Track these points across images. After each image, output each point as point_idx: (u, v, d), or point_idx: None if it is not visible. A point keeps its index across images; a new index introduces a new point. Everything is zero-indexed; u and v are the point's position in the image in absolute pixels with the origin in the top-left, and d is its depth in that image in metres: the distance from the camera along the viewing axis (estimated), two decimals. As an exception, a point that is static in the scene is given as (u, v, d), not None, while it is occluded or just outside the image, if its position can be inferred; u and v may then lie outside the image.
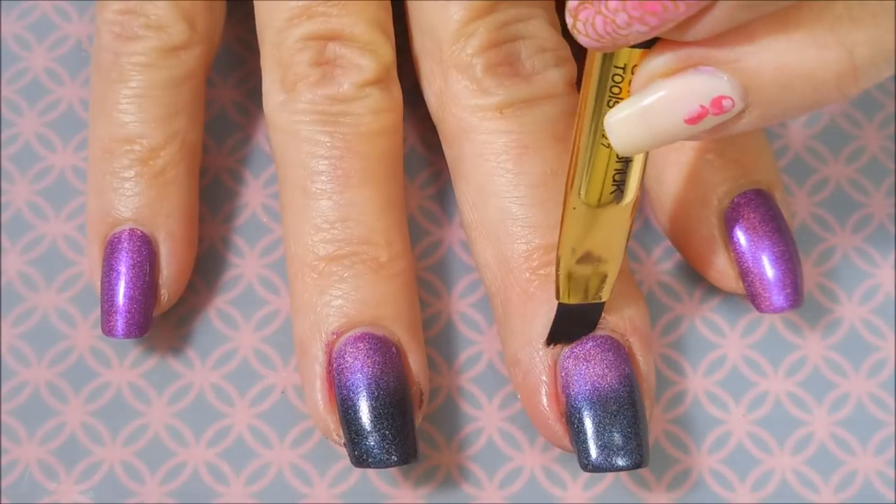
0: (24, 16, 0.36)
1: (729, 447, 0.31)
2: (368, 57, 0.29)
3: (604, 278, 0.27)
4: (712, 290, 0.32)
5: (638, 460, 0.27)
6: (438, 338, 0.32)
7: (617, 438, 0.27)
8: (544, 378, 0.28)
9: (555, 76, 0.29)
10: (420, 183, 0.34)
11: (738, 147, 0.30)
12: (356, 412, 0.27)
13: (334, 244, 0.29)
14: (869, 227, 0.33)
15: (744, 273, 0.29)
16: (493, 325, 0.32)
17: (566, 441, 0.28)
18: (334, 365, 0.28)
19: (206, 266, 0.33)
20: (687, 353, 0.32)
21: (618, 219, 0.26)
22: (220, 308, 0.32)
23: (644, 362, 0.28)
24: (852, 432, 0.31)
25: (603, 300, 0.27)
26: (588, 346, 0.28)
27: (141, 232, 0.30)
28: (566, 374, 0.28)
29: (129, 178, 0.30)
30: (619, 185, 0.25)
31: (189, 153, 0.31)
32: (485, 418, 0.31)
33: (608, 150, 0.24)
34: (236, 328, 0.32)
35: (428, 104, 0.31)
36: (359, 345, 0.28)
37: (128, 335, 0.30)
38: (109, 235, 0.30)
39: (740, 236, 0.29)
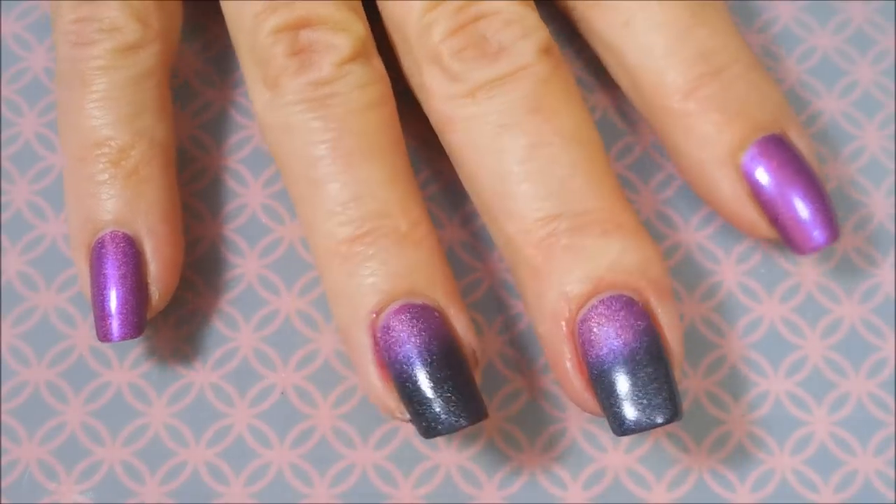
0: (24, 16, 0.36)
1: (729, 447, 0.31)
2: (341, 35, 0.29)
3: None
4: (712, 288, 0.32)
5: (669, 415, 0.27)
6: (438, 338, 0.32)
7: (643, 396, 0.27)
8: (565, 349, 0.28)
9: (524, 47, 0.29)
10: (420, 183, 0.34)
11: (738, 98, 0.29)
12: (414, 384, 0.27)
13: (352, 224, 0.29)
14: (869, 227, 0.33)
15: (775, 221, 0.29)
16: (494, 325, 0.32)
17: (597, 408, 0.28)
18: (381, 343, 0.28)
19: (206, 266, 0.33)
20: (687, 353, 0.32)
21: None
22: (221, 308, 0.32)
23: (663, 312, 0.28)
24: (852, 432, 0.31)
25: None
26: (600, 310, 0.27)
27: (122, 233, 0.30)
28: (583, 341, 0.27)
29: (104, 182, 0.30)
30: None
31: (160, 150, 0.31)
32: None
33: None
34: (236, 328, 0.32)
35: (419, 101, 0.31)
36: (400, 317, 0.28)
37: (123, 337, 0.30)
38: (93, 241, 0.30)
39: (763, 187, 0.29)
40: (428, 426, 0.27)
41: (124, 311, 0.30)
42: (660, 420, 0.26)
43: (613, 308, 0.27)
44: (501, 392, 0.31)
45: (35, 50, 0.36)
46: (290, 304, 0.32)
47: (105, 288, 0.30)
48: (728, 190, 0.29)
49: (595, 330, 0.27)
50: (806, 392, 0.31)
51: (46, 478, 0.31)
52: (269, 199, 0.34)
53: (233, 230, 0.33)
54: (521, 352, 0.32)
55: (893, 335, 0.32)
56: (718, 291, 0.32)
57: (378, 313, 0.28)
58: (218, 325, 0.32)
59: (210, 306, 0.32)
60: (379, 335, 0.28)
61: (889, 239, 0.33)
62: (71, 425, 0.31)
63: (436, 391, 0.27)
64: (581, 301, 0.28)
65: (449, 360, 0.27)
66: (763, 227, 0.29)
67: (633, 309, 0.27)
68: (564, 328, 0.28)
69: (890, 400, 0.31)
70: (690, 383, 0.31)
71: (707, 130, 0.29)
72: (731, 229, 0.33)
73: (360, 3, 0.30)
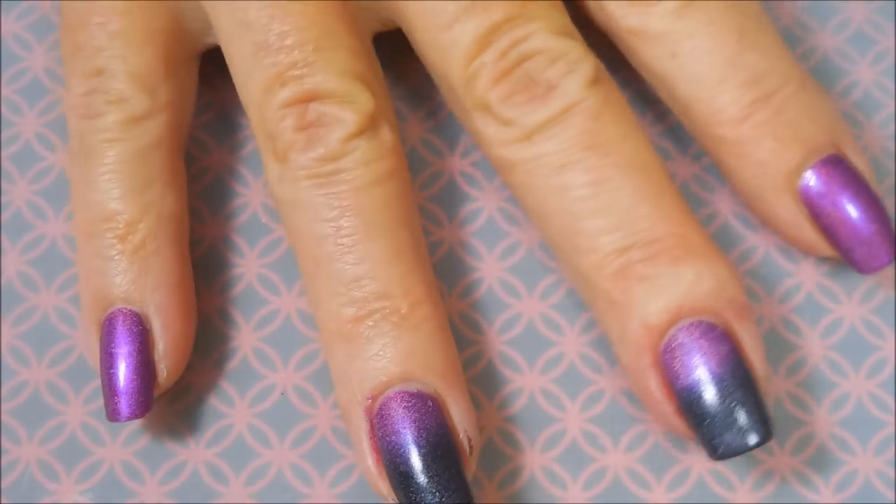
0: (24, 16, 0.36)
1: (729, 447, 0.31)
2: (348, 109, 0.29)
3: None
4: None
5: (761, 436, 0.27)
6: (438, 338, 0.32)
7: (734, 421, 0.27)
8: (651, 379, 0.28)
9: (572, 83, 0.29)
10: (420, 183, 0.34)
11: (792, 122, 0.30)
12: (403, 473, 0.27)
13: (354, 306, 0.28)
14: (869, 227, 0.33)
15: (836, 242, 0.30)
16: (494, 326, 0.32)
17: (690, 434, 0.28)
18: (376, 429, 0.28)
19: (206, 266, 0.33)
20: (687, 353, 0.32)
21: None
22: (221, 308, 0.32)
23: (744, 332, 0.28)
24: (852, 432, 0.31)
25: None
26: (680, 339, 0.27)
27: (130, 310, 0.30)
28: (668, 371, 0.28)
29: (112, 258, 0.30)
30: None
31: (169, 222, 0.31)
32: (485, 419, 0.31)
33: None
34: (236, 328, 0.32)
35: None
36: (392, 406, 0.28)
37: (129, 417, 0.29)
38: (103, 317, 0.30)
39: (822, 210, 0.29)
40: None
41: (130, 391, 0.29)
42: (752, 443, 0.27)
43: (694, 336, 0.27)
44: (501, 392, 0.31)
45: (35, 50, 0.36)
46: (290, 304, 0.32)
47: (111, 366, 0.30)
48: (787, 216, 0.30)
49: (678, 359, 0.27)
50: (806, 392, 0.31)
51: (46, 478, 0.31)
52: (269, 199, 0.34)
53: (233, 230, 0.33)
54: (521, 352, 0.32)
55: (893, 335, 0.32)
56: (718, 291, 0.32)
57: (374, 399, 0.28)
58: (218, 324, 0.32)
59: (210, 306, 0.32)
60: (374, 421, 0.28)
61: (889, 239, 0.33)
62: (71, 425, 0.31)
63: (424, 482, 0.27)
64: (661, 330, 0.28)
65: (440, 452, 0.28)
66: (824, 248, 0.30)
67: (714, 334, 0.27)
68: (649, 359, 0.28)
69: (890, 400, 0.31)
70: (690, 383, 0.31)
71: (763, 158, 0.30)
72: (729, 231, 0.33)
73: (368, 69, 0.30)
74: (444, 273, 0.33)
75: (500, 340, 0.32)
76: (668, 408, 0.28)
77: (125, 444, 0.31)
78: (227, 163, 0.34)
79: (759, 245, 0.33)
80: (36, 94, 0.35)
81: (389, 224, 0.29)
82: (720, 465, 0.30)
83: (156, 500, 0.31)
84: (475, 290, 0.32)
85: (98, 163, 0.30)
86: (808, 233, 0.30)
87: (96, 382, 0.32)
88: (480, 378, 0.31)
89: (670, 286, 0.28)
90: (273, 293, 0.33)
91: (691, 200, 0.33)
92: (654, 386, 0.28)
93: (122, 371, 0.29)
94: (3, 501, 0.31)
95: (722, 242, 0.33)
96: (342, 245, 0.28)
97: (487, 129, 0.29)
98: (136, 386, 0.29)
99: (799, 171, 0.29)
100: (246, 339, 0.32)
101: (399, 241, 0.29)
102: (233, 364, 0.32)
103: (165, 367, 0.30)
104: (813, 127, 0.30)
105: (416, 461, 0.27)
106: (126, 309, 0.30)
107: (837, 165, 0.29)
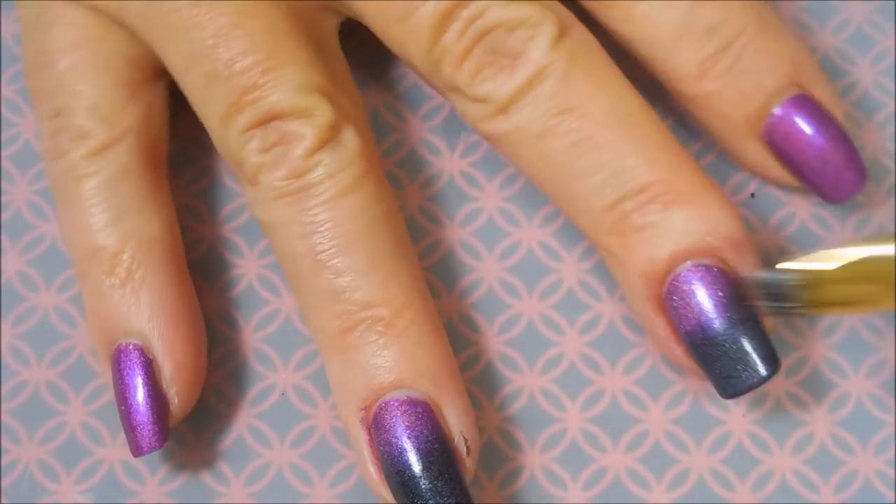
0: (24, 16, 0.36)
1: (729, 447, 0.31)
2: (307, 123, 0.29)
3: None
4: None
5: (770, 369, 0.27)
6: (438, 338, 0.32)
7: (740, 359, 0.27)
8: (659, 323, 0.28)
9: (535, 49, 0.29)
10: (420, 183, 0.34)
11: (750, 70, 0.30)
12: (401, 479, 0.28)
13: (339, 319, 0.29)
14: (869, 228, 0.33)
15: (804, 179, 0.31)
16: (493, 326, 0.32)
17: (703, 373, 0.28)
18: (373, 437, 0.28)
19: (206, 266, 0.33)
20: (687, 353, 0.32)
21: None
22: (221, 308, 0.32)
23: (745, 266, 0.28)
24: (852, 432, 0.31)
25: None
26: (677, 285, 0.28)
27: (132, 344, 0.30)
28: (672, 317, 0.28)
29: (105, 294, 0.30)
30: None
31: (153, 246, 0.30)
32: (485, 418, 0.31)
33: None
34: (236, 328, 0.32)
35: None
36: (384, 415, 0.28)
37: (150, 449, 0.29)
38: (112, 352, 0.30)
39: (787, 149, 0.30)
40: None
41: (144, 424, 0.29)
42: (761, 377, 0.27)
43: (692, 280, 0.28)
44: (501, 392, 0.31)
45: (35, 50, 0.36)
46: (291, 304, 0.32)
47: (123, 402, 0.29)
48: (755, 158, 0.31)
49: (680, 304, 0.28)
50: (806, 392, 0.31)
51: (46, 478, 0.31)
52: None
53: (233, 230, 0.33)
54: (521, 352, 0.32)
55: (893, 335, 0.32)
56: (718, 291, 0.32)
57: (367, 409, 0.28)
58: (218, 325, 0.32)
59: (210, 306, 0.32)
60: (371, 429, 0.28)
61: (889, 239, 0.33)
62: (71, 425, 0.31)
63: (421, 487, 0.27)
64: (660, 279, 0.28)
65: (435, 458, 0.28)
66: (794, 182, 0.31)
67: (712, 275, 0.28)
68: (653, 307, 0.28)
69: (890, 400, 0.31)
70: (689, 383, 0.31)
71: (725, 110, 0.30)
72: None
73: (323, 78, 0.29)
74: (444, 273, 0.33)
75: (500, 340, 0.32)
76: (678, 351, 0.28)
77: (125, 444, 0.31)
78: (226, 164, 0.34)
79: (759, 245, 0.33)
80: (36, 94, 0.35)
81: (363, 232, 0.29)
82: (720, 465, 0.30)
83: (156, 500, 0.31)
84: (475, 290, 0.32)
85: (73, 201, 0.30)
86: (777, 171, 0.31)
87: (96, 382, 0.32)
88: (480, 378, 0.31)
89: (662, 234, 0.28)
90: (273, 293, 0.33)
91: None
92: (662, 332, 0.28)
93: (134, 405, 0.29)
94: (3, 501, 0.31)
95: (722, 242, 0.33)
96: (319, 261, 0.28)
97: (465, 108, 0.29)
98: (150, 418, 0.29)
99: (760, 117, 0.30)
100: (246, 339, 0.32)
101: (375, 247, 0.29)
102: (233, 364, 0.32)
103: (175, 394, 0.30)
104: (772, 72, 0.30)
105: (411, 468, 0.27)
106: (128, 343, 0.30)
107: (800, 105, 0.30)
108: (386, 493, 0.28)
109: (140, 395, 0.29)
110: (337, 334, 0.29)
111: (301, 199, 0.29)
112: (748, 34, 0.30)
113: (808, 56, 0.31)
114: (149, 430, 0.29)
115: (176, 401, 0.30)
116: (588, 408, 0.31)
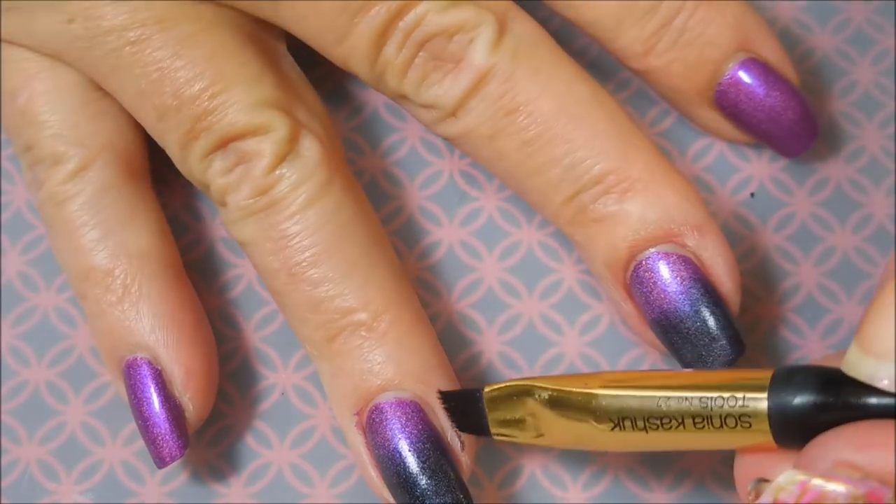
0: (24, 16, 0.36)
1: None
2: (264, 140, 0.29)
3: None
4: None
5: (732, 354, 0.28)
6: (438, 338, 0.32)
7: (704, 342, 0.28)
8: (628, 311, 0.29)
9: (476, 52, 0.29)
10: (420, 183, 0.34)
11: (695, 41, 0.31)
12: (397, 481, 0.28)
13: (322, 329, 0.29)
14: (869, 227, 0.33)
15: (759, 137, 0.32)
16: (493, 325, 0.32)
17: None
18: (369, 441, 0.28)
19: (206, 267, 0.33)
20: (687, 353, 0.32)
21: None
22: (221, 308, 0.32)
23: (705, 249, 0.28)
24: (852, 432, 0.31)
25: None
26: (639, 274, 0.28)
27: (140, 358, 0.30)
28: (639, 303, 0.29)
29: (105, 313, 0.30)
30: None
31: (144, 260, 0.30)
32: (485, 418, 0.31)
33: None
34: (236, 328, 0.32)
35: None
36: (375, 418, 0.28)
37: (171, 459, 0.29)
38: (122, 368, 0.30)
39: (740, 112, 0.31)
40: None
41: (163, 435, 0.29)
42: (728, 358, 0.28)
43: (651, 269, 0.28)
44: (501, 392, 0.31)
45: (35, 50, 0.36)
46: (290, 304, 0.32)
47: (139, 416, 0.30)
48: (709, 123, 0.32)
49: (643, 292, 0.28)
50: (806, 392, 0.31)
51: (46, 478, 0.31)
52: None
53: (233, 230, 0.33)
54: (521, 352, 0.32)
55: (893, 335, 0.32)
56: (718, 291, 0.32)
57: (360, 414, 0.28)
58: (218, 325, 0.32)
59: (210, 306, 0.32)
60: (366, 433, 0.28)
61: (889, 239, 0.33)
62: (71, 425, 0.31)
63: (418, 487, 0.28)
64: (623, 266, 0.29)
65: (428, 456, 0.28)
66: (751, 141, 0.32)
67: (671, 261, 0.28)
68: (620, 293, 0.29)
69: (890, 400, 0.31)
70: (690, 383, 0.31)
71: (674, 83, 0.31)
72: (729, 231, 0.33)
73: (274, 90, 0.29)
74: (444, 273, 0.33)
75: (500, 340, 0.32)
76: (649, 335, 0.29)
77: (125, 444, 0.31)
78: None
79: (758, 245, 0.33)
80: (36, 94, 0.35)
81: (335, 240, 0.29)
82: (720, 465, 0.30)
83: (156, 500, 0.31)
84: (475, 290, 0.32)
85: (59, 227, 0.30)
86: (733, 133, 0.32)
87: (96, 382, 0.32)
88: (480, 378, 0.31)
89: (621, 224, 0.28)
90: (273, 293, 0.33)
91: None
92: (631, 317, 0.29)
93: (151, 417, 0.29)
94: (3, 501, 0.31)
95: (722, 242, 0.33)
96: (295, 274, 0.29)
97: (417, 113, 0.30)
98: (167, 428, 0.29)
99: (710, 86, 0.31)
100: (246, 339, 0.32)
101: (349, 253, 0.29)
102: (233, 364, 0.32)
103: (189, 400, 0.30)
104: (717, 39, 0.31)
105: (407, 468, 0.28)
106: (135, 357, 0.30)
107: (747, 69, 0.31)
108: (387, 495, 0.28)
109: (155, 406, 0.29)
110: (323, 343, 0.29)
111: (269, 214, 0.29)
112: (689, 7, 0.30)
113: (754, 17, 0.31)
114: (168, 440, 0.29)
115: (191, 407, 0.30)
116: (588, 408, 0.31)
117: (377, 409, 0.28)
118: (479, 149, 0.29)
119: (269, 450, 0.31)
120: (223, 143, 0.29)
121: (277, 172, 0.29)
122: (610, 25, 0.30)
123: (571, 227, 0.29)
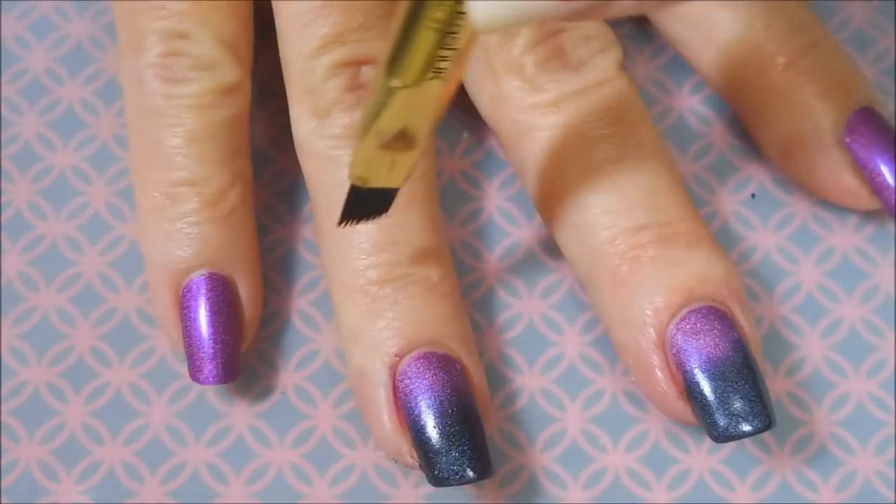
0: (24, 16, 0.36)
1: (729, 447, 0.31)
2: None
3: (404, 163, 0.26)
4: (712, 290, 0.32)
5: (767, 422, 0.27)
6: (438, 338, 0.32)
7: (742, 405, 0.27)
8: (655, 359, 0.28)
9: (603, 62, 0.29)
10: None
11: (835, 70, 0.31)
12: (429, 432, 0.28)
13: (384, 268, 0.29)
14: (869, 227, 0.33)
15: (877, 187, 0.30)
16: (493, 325, 0.32)
17: (690, 417, 0.28)
18: (400, 387, 0.28)
19: (206, 266, 0.33)
20: (687, 353, 0.32)
21: (431, 102, 0.24)
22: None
23: (747, 324, 0.28)
24: (852, 432, 0.31)
25: (398, 186, 0.27)
26: (693, 321, 0.27)
27: (221, 275, 0.30)
28: (677, 350, 0.27)
29: (200, 223, 0.30)
30: (440, 70, 0.23)
31: (251, 192, 0.31)
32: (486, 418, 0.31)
33: (435, 34, 0.22)
34: (236, 328, 0.32)
35: (480, 109, 0.31)
36: (423, 364, 0.28)
37: (224, 381, 0.29)
38: (184, 282, 0.30)
39: (861, 156, 0.30)
40: (439, 475, 0.28)
41: (224, 355, 0.29)
42: (757, 428, 0.27)
43: (709, 319, 0.28)
44: (502, 392, 0.31)
45: (35, 50, 0.36)
46: (290, 304, 0.32)
47: (200, 332, 0.29)
48: (829, 160, 0.30)
49: (691, 341, 0.27)
50: (806, 392, 0.31)
51: (46, 478, 0.31)
52: (269, 199, 0.34)
53: (233, 230, 0.33)
54: (521, 352, 0.32)
55: (893, 335, 0.32)
56: (718, 291, 0.32)
57: (401, 357, 0.28)
58: (218, 325, 0.32)
59: (210, 306, 0.32)
60: (399, 379, 0.28)
61: (889, 239, 0.33)
62: (71, 425, 0.31)
63: (450, 443, 0.27)
64: (672, 311, 0.28)
65: (466, 415, 0.28)
66: (864, 195, 0.31)
67: (726, 321, 0.28)
68: (655, 338, 0.28)
69: (890, 400, 0.31)
70: (690, 383, 0.31)
71: (808, 102, 0.30)
72: (728, 231, 0.33)
73: None
74: (444, 273, 0.33)
75: (500, 340, 0.32)
76: (671, 390, 0.28)
77: (125, 444, 0.31)
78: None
79: (759, 245, 0.33)
80: (36, 94, 0.35)
81: (425, 196, 0.29)
82: (720, 465, 0.30)
83: (156, 500, 0.31)
84: (475, 290, 0.32)
85: (185, 128, 0.30)
86: (850, 179, 0.31)
87: (96, 382, 0.32)
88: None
89: (683, 268, 0.28)
90: (273, 293, 0.33)
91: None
92: (658, 367, 0.28)
93: (216, 336, 0.29)
94: (3, 501, 0.31)
95: (722, 242, 0.32)
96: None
97: (513, 90, 0.30)
98: (231, 350, 0.29)
99: (842, 117, 0.30)
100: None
101: (432, 213, 0.30)
102: (233, 364, 0.32)
103: (248, 333, 0.30)
104: (853, 78, 0.31)
105: (445, 422, 0.28)
106: (217, 274, 0.30)
107: (874, 115, 0.30)
108: (405, 445, 0.28)
109: (225, 328, 0.29)
110: (376, 282, 0.29)
111: None
112: (831, 41, 0.31)
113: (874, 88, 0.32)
114: (228, 363, 0.29)
115: (247, 340, 0.30)
116: (588, 408, 0.31)
117: (427, 358, 0.28)
118: (564, 147, 0.29)
119: (269, 450, 0.31)
120: (361, 62, 0.29)
121: None
122: (758, 27, 0.30)
123: (622, 258, 0.28)
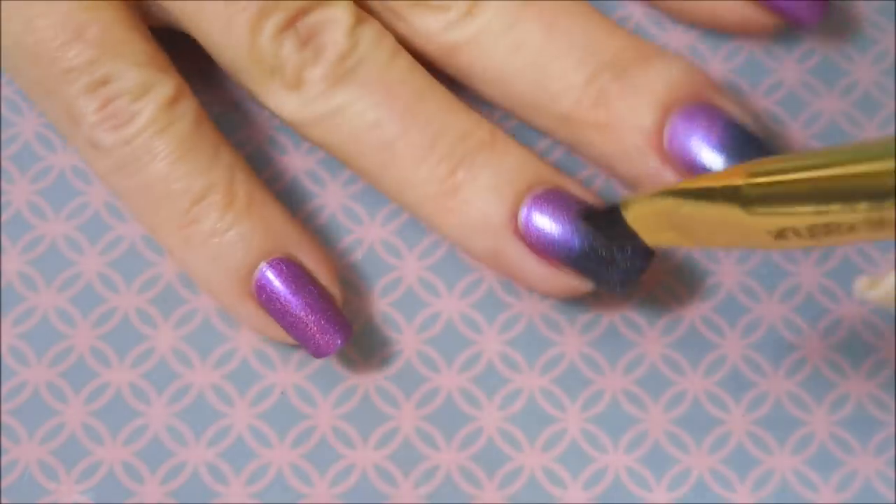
0: (24, 16, 0.36)
1: (729, 447, 0.31)
2: (336, 8, 0.29)
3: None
4: (711, 290, 0.32)
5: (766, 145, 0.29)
6: (438, 337, 0.32)
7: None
8: (668, 175, 0.29)
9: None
10: (420, 183, 0.34)
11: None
12: (590, 248, 0.28)
13: (446, 159, 0.29)
14: (869, 227, 0.33)
15: (770, 5, 0.31)
16: (493, 325, 0.32)
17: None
18: (533, 237, 0.29)
19: (206, 266, 0.33)
20: (686, 353, 0.32)
21: None
22: (219, 310, 0.32)
23: (728, 103, 0.30)
24: (852, 432, 0.31)
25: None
26: (680, 128, 0.29)
27: (276, 258, 0.30)
28: (679, 161, 0.29)
29: (230, 227, 0.29)
30: None
31: (250, 172, 0.31)
32: (484, 418, 0.31)
33: None
34: (236, 328, 0.32)
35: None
36: (546, 200, 0.29)
37: (345, 339, 0.29)
38: (253, 283, 0.30)
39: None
40: (621, 279, 0.29)
41: (328, 319, 0.29)
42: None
43: (693, 116, 0.29)
44: (502, 391, 0.31)
45: (35, 50, 0.36)
46: (290, 304, 0.32)
47: (297, 315, 0.29)
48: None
49: (684, 146, 0.29)
50: (806, 392, 0.31)
51: (46, 478, 0.31)
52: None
53: (233, 230, 0.33)
54: (520, 352, 0.32)
55: (893, 335, 0.32)
56: (718, 292, 0.32)
57: (517, 211, 0.29)
58: (218, 324, 0.32)
59: (210, 305, 0.32)
60: (526, 231, 0.29)
61: (889, 239, 0.33)
62: (71, 425, 0.31)
63: (609, 246, 0.28)
64: (659, 128, 0.29)
65: (599, 223, 0.28)
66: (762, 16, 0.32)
67: (706, 112, 0.29)
68: (657, 158, 0.29)
69: (890, 400, 0.31)
70: (689, 383, 0.31)
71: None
72: (731, 229, 0.33)
73: None
74: (443, 272, 0.33)
75: (500, 340, 0.32)
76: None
77: (125, 443, 0.31)
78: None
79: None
80: (36, 94, 0.35)
81: (429, 81, 0.30)
82: (720, 465, 0.30)
83: (156, 500, 0.31)
84: (475, 290, 0.32)
85: (161, 158, 0.29)
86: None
87: (96, 382, 0.32)
88: (481, 377, 0.31)
89: (648, 87, 0.29)
90: (273, 293, 0.33)
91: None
92: (663, 173, 0.29)
93: (313, 308, 0.29)
94: (3, 501, 0.31)
95: (722, 242, 0.33)
96: (402, 117, 0.29)
97: (422, 21, 0.30)
98: (329, 313, 0.29)
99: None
100: (246, 339, 0.32)
101: (444, 92, 0.30)
102: (233, 364, 0.32)
103: (332, 290, 0.30)
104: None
105: (592, 234, 0.28)
106: (276, 259, 0.30)
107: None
108: (573, 280, 0.29)
109: (315, 297, 0.29)
110: (447, 175, 0.29)
111: (359, 73, 0.29)
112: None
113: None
114: (338, 321, 0.30)
115: (338, 294, 0.30)
116: (588, 408, 0.31)
117: (547, 194, 0.29)
118: (493, 47, 0.30)
119: (269, 450, 0.31)
120: (295, 19, 0.29)
121: (357, 32, 0.29)
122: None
123: (595, 107, 0.29)
